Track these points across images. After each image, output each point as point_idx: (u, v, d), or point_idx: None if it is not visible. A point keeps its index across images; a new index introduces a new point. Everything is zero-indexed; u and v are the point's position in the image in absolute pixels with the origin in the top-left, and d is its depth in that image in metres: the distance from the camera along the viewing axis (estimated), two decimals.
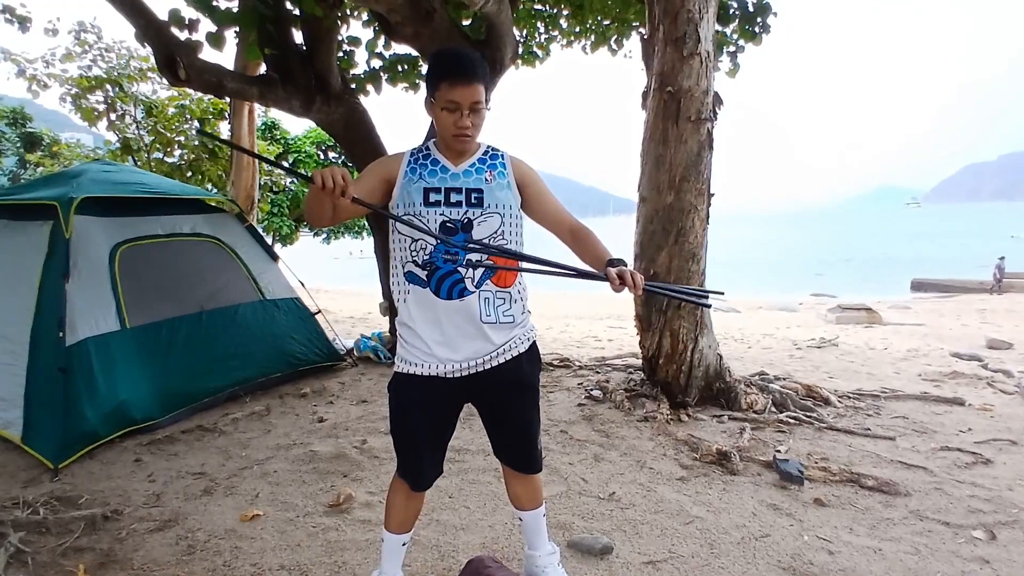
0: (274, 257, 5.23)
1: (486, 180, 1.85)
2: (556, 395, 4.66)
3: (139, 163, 9.75)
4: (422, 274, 1.83)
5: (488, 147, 1.92)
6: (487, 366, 1.85)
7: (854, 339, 8.17)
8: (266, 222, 10.28)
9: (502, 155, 1.92)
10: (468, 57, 1.77)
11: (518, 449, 2.00)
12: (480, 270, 1.83)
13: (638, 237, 4.23)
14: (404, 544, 2.11)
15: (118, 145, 10.08)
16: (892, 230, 68.37)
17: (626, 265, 1.73)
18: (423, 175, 1.83)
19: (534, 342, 1.98)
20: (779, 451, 3.42)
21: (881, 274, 24.23)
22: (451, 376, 1.84)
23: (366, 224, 11.61)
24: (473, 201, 1.83)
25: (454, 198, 1.82)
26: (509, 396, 1.92)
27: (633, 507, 2.88)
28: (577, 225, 1.95)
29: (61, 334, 3.57)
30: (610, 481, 3.16)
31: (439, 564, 2.42)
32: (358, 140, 5.57)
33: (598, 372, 5.28)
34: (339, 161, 11.93)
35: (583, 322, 10.10)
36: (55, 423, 3.45)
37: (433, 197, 1.81)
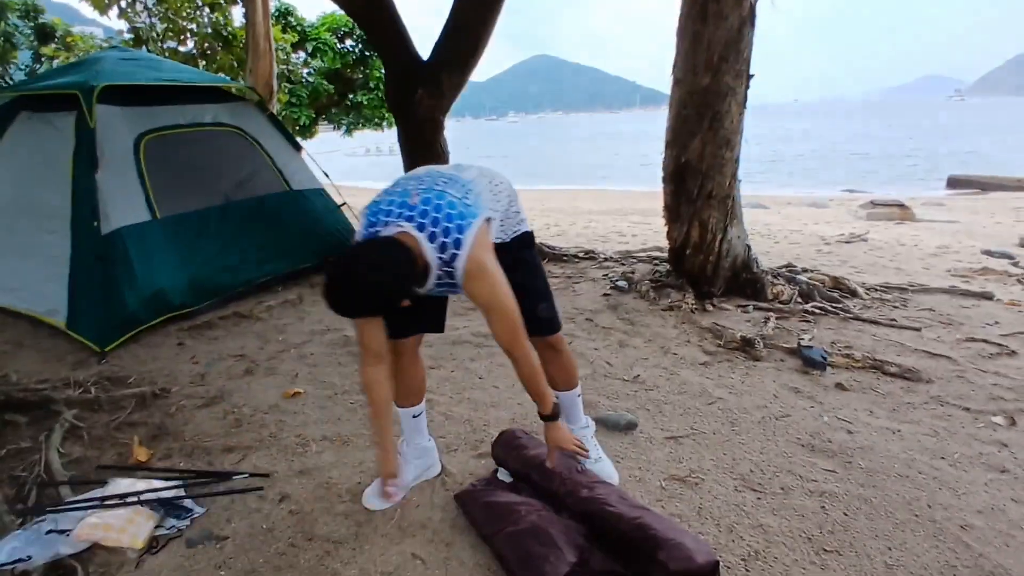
0: (297, 147, 5.18)
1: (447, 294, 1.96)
2: (581, 285, 4.70)
3: (152, 53, 9.50)
4: None
5: (441, 266, 1.74)
6: None
7: (884, 235, 8.00)
8: (284, 113, 10.06)
9: (456, 278, 1.75)
10: (333, 304, 1.68)
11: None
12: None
13: (670, 123, 4.08)
14: (415, 417, 2.21)
15: (130, 36, 9.77)
16: (933, 123, 65.13)
17: (555, 420, 2.01)
18: None
19: (524, 232, 2.07)
20: (803, 339, 3.45)
21: (917, 169, 23.34)
22: None
23: (386, 116, 11.35)
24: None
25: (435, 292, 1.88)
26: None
27: (656, 388, 2.97)
28: (516, 363, 1.90)
29: (96, 223, 3.64)
30: (634, 365, 3.24)
31: (472, 436, 2.55)
32: (377, 21, 5.32)
33: (623, 264, 5.29)
34: (357, 48, 11.47)
35: (607, 217, 9.99)
36: (98, 309, 3.59)
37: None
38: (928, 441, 2.51)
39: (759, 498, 2.14)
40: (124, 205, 3.83)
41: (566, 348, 2.20)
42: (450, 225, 1.70)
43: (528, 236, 2.09)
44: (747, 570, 1.80)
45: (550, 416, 1.97)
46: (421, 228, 1.71)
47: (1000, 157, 25.14)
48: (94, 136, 3.76)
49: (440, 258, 1.72)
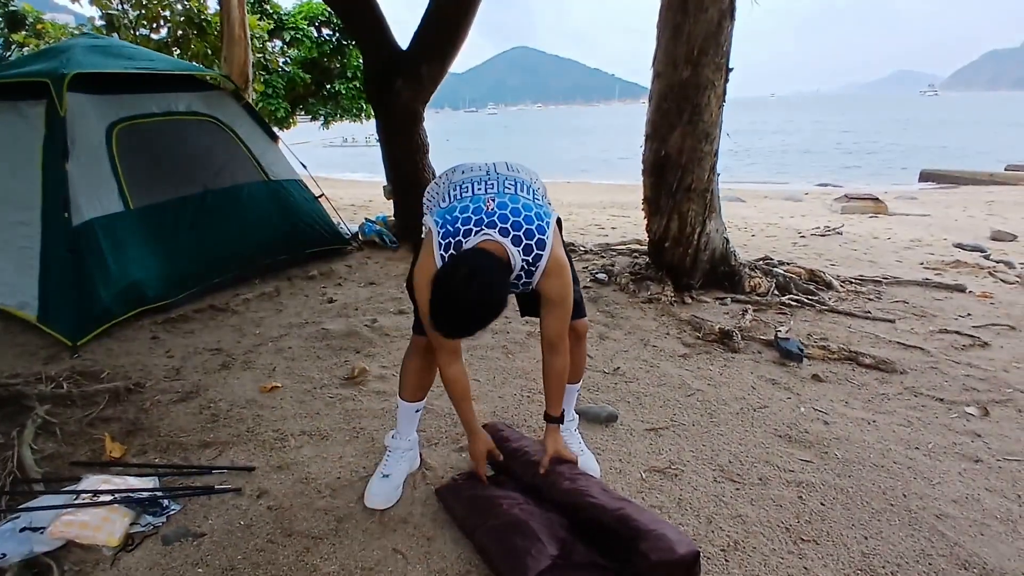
0: (273, 137, 5.10)
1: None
2: None
3: (124, 41, 9.24)
4: None
5: (524, 267, 1.78)
6: None
7: (858, 228, 8.13)
8: (261, 104, 9.88)
9: (533, 278, 1.81)
10: (452, 330, 1.68)
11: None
12: None
13: (650, 116, 4.09)
14: (417, 411, 2.21)
15: (102, 23, 9.51)
16: (906, 118, 66.23)
17: (560, 424, 2.09)
18: None
19: (556, 219, 2.03)
20: (780, 331, 3.49)
21: (890, 164, 23.73)
22: None
23: (364, 107, 11.22)
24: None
25: None
26: None
27: (637, 381, 2.99)
28: (553, 360, 1.96)
29: (66, 215, 3.55)
30: (615, 357, 3.25)
31: (453, 430, 2.54)
32: (355, 11, 5.24)
33: (603, 257, 5.30)
34: (334, 37, 11.30)
35: (586, 210, 10.01)
36: (70, 303, 3.50)
37: None
38: (903, 431, 2.55)
39: (738, 489, 2.16)
40: (96, 196, 3.74)
41: (585, 337, 2.23)
42: (531, 227, 1.75)
43: (558, 221, 2.07)
44: (726, 560, 1.82)
45: (558, 419, 2.05)
46: (505, 234, 1.73)
47: (972, 151, 25.66)
48: (65, 125, 3.66)
49: (525, 260, 1.75)
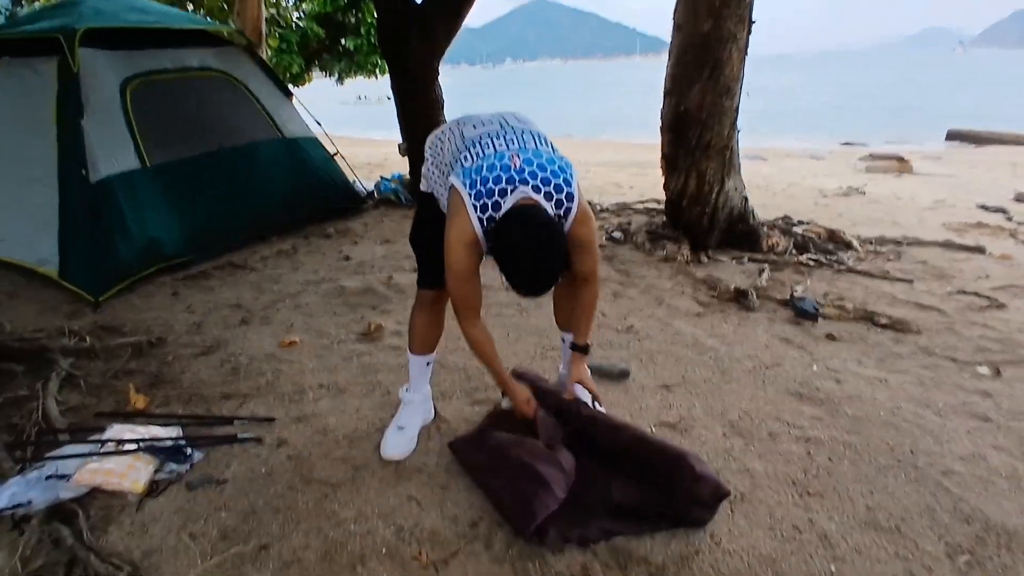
0: (287, 94, 5.07)
1: None
2: None
3: None
4: None
5: (557, 215, 1.79)
6: None
7: (882, 188, 7.96)
8: (275, 59, 9.77)
9: (564, 225, 1.81)
10: (541, 287, 1.75)
11: None
12: None
13: (670, 71, 4.00)
14: (428, 364, 2.25)
15: None
16: (934, 76, 63.95)
17: (586, 355, 2.17)
18: None
19: None
20: (796, 290, 3.47)
21: (917, 123, 23.00)
22: None
23: (379, 62, 11.05)
24: None
25: None
26: None
27: (650, 338, 3.00)
28: (586, 289, 2.05)
29: (84, 171, 3.58)
30: (629, 315, 3.27)
31: (466, 384, 2.59)
32: None
33: (619, 216, 5.26)
34: None
35: (605, 169, 9.88)
36: (90, 259, 3.57)
37: None
38: (914, 390, 2.55)
39: (746, 444, 2.19)
40: (112, 153, 3.77)
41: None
42: (559, 182, 1.77)
43: None
44: (732, 511, 1.86)
45: (585, 348, 2.13)
46: (537, 191, 1.76)
47: (1000, 112, 24.82)
48: (78, 81, 3.66)
49: (556, 214, 1.78)
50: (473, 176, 1.78)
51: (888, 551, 1.73)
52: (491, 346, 2.03)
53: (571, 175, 1.80)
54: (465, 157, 1.86)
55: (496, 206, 1.75)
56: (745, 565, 1.68)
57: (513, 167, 1.76)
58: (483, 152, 1.83)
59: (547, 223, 1.70)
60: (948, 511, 1.88)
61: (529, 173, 1.75)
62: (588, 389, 2.15)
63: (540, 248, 1.66)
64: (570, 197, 1.78)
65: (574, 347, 2.15)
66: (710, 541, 1.75)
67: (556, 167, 1.79)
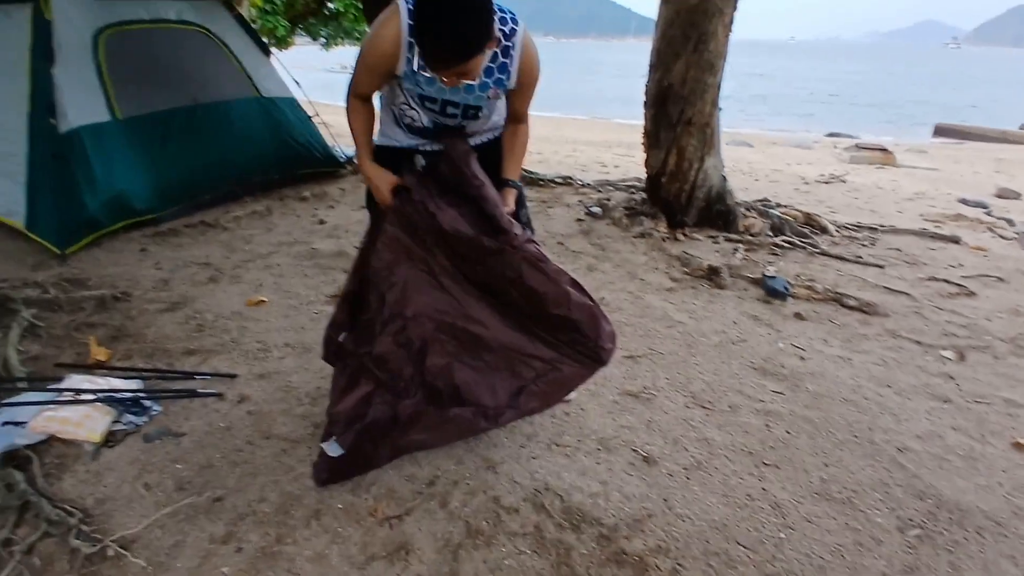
0: (266, 52, 4.96)
1: (488, 98, 1.76)
2: (555, 210, 4.67)
3: None
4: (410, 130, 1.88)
5: (500, 40, 1.63)
6: None
7: (864, 179, 8.01)
8: (260, 20, 9.53)
9: (511, 56, 1.68)
10: (453, 42, 1.46)
11: None
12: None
13: (656, 44, 3.96)
14: None
15: None
16: (926, 70, 64.26)
17: (520, 192, 1.96)
18: (419, 82, 1.69)
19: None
20: (768, 270, 3.49)
21: (906, 116, 23.17)
22: (428, 150, 1.91)
23: (365, 29, 10.84)
24: (469, 115, 1.80)
25: (450, 111, 1.77)
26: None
27: (620, 311, 3.01)
28: (520, 124, 1.92)
29: (52, 120, 3.48)
30: (601, 288, 3.26)
31: None
32: None
33: (600, 191, 5.25)
34: None
35: (591, 148, 9.84)
36: (57, 210, 3.49)
37: (428, 104, 1.76)
38: (876, 370, 2.59)
39: (707, 415, 2.21)
40: (82, 103, 3.66)
41: None
42: (504, 11, 1.66)
43: None
44: (688, 479, 1.88)
45: (515, 184, 1.96)
46: None
47: (990, 108, 25.05)
48: (51, 29, 3.55)
49: (501, 30, 1.62)
50: None
51: (839, 521, 1.76)
52: (364, 122, 1.87)
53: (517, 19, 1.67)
54: None
55: None
56: (697, 529, 1.70)
57: None
58: None
59: None
60: (902, 486, 1.91)
61: None
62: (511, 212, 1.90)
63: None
64: (515, 20, 1.66)
65: (504, 183, 1.92)
66: (663, 505, 1.77)
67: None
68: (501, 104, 1.87)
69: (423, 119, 1.81)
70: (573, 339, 1.81)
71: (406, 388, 1.80)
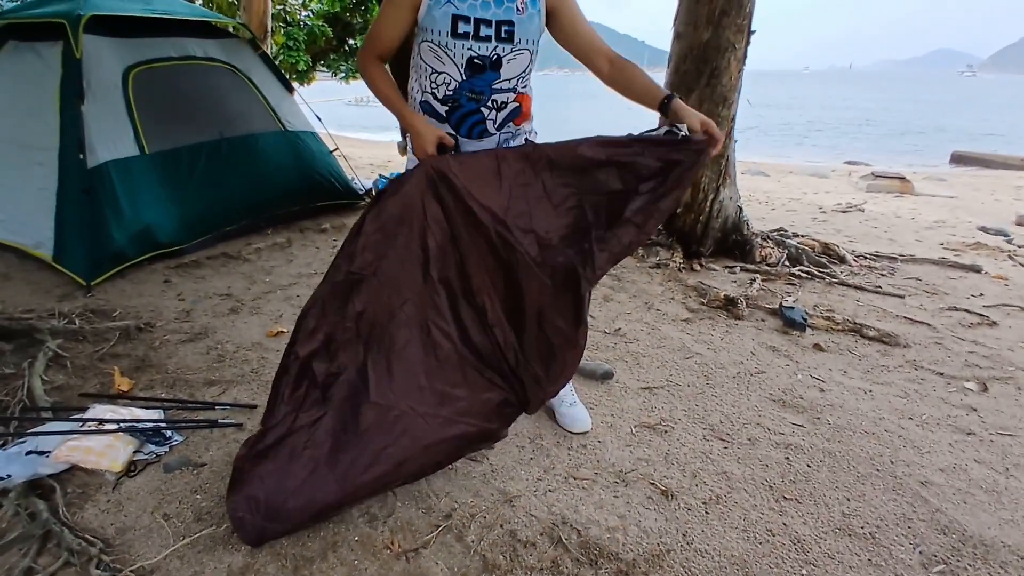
0: (289, 88, 5.09)
1: (517, 10, 1.76)
2: None
3: None
4: (441, 109, 1.84)
5: None
6: None
7: (882, 207, 7.98)
8: (281, 56, 9.81)
9: None
10: None
11: None
12: (504, 111, 1.84)
13: (668, 79, 4.02)
14: None
15: None
16: (942, 98, 64.15)
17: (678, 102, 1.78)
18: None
19: None
20: (786, 300, 3.47)
21: (922, 144, 23.07)
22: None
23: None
24: (503, 36, 1.76)
25: (483, 31, 1.74)
26: None
27: (636, 342, 3.00)
28: (616, 55, 1.86)
29: (81, 156, 3.60)
30: (617, 319, 3.27)
31: None
32: None
33: None
34: None
35: None
36: (84, 243, 3.56)
37: (462, 28, 1.72)
38: (898, 402, 2.55)
39: (726, 447, 2.19)
40: (111, 138, 3.78)
41: None
42: None
43: None
44: (706, 513, 1.86)
45: (672, 95, 1.84)
46: None
47: (1008, 135, 24.88)
48: (80, 67, 3.68)
49: None
50: None
51: (861, 558, 1.73)
52: (389, 80, 1.87)
53: None
54: None
55: None
56: (716, 565, 1.67)
57: None
58: None
59: None
60: (924, 520, 1.87)
61: None
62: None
63: None
64: None
65: (666, 103, 1.78)
66: (682, 540, 1.75)
67: None
68: (532, 55, 1.83)
69: (458, 67, 1.76)
70: (536, 376, 1.83)
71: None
